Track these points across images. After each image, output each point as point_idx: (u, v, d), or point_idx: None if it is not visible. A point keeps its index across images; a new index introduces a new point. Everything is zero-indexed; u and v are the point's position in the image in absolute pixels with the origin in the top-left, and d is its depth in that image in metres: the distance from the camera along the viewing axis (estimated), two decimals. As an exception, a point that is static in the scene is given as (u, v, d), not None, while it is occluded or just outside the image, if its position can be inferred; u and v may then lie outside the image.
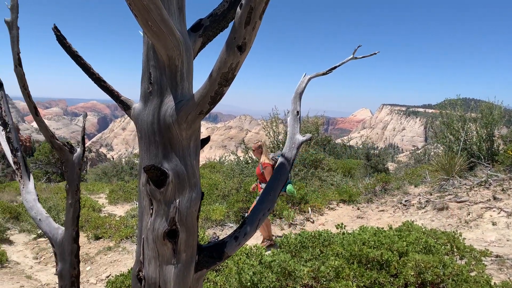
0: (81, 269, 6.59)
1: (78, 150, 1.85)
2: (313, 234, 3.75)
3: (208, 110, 1.61)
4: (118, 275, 3.88)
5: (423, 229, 4.19)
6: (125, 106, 1.80)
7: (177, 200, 1.70)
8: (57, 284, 5.93)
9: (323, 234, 3.70)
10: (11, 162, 2.09)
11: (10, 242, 8.37)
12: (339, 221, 7.15)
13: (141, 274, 1.78)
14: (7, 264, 6.89)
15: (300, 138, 2.08)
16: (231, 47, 1.41)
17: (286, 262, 3.06)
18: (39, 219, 1.93)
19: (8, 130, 2.03)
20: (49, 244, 8.14)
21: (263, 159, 5.75)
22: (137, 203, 10.52)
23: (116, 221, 7.99)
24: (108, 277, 5.77)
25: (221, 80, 1.48)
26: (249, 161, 10.46)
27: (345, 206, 8.29)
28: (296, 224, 7.08)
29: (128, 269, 3.94)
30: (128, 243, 7.00)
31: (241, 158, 10.88)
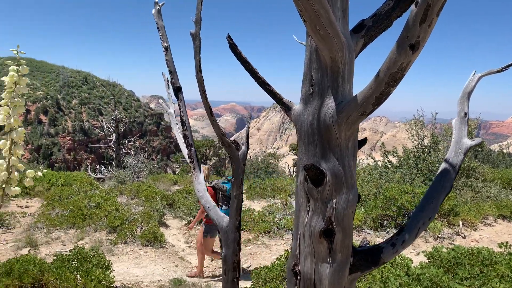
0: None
1: (243, 147, 2.02)
2: (470, 250, 3.36)
3: (371, 111, 1.59)
4: (262, 267, 4.13)
5: None
6: (286, 107, 1.90)
7: (334, 200, 1.72)
8: (205, 268, 6.55)
9: (483, 251, 3.28)
10: (186, 156, 2.40)
11: (167, 226, 9.58)
12: (497, 239, 6.25)
13: (296, 268, 1.86)
14: (164, 245, 7.89)
15: (468, 142, 1.89)
16: (403, 46, 1.36)
17: (439, 277, 2.82)
18: (208, 207, 2.17)
19: (185, 128, 2.34)
20: (198, 231, 9.10)
21: None
22: (273, 200, 10.96)
23: (255, 215, 8.48)
24: (248, 267, 6.16)
25: (389, 80, 1.44)
26: (389, 166, 9.92)
27: (505, 223, 7.20)
28: (443, 238, 6.43)
29: (271, 262, 4.17)
30: (266, 237, 7.35)
31: (379, 163, 10.39)
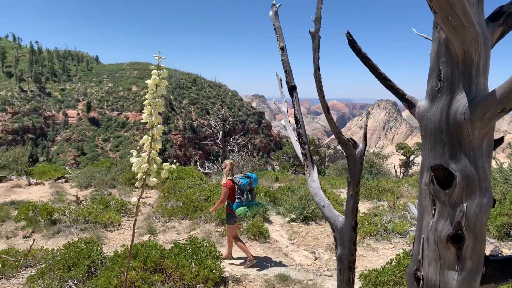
0: (326, 257, 7.14)
1: (361, 145, 1.98)
2: None
3: (512, 107, 1.44)
4: (371, 270, 4.00)
5: None
6: (409, 104, 1.81)
7: (465, 204, 1.59)
8: (309, 266, 6.58)
9: None
10: (299, 154, 2.45)
11: (270, 222, 9.80)
12: None
13: (418, 274, 1.76)
14: (268, 240, 8.10)
15: None
16: (558, 33, 1.20)
17: None
18: (322, 205, 2.18)
19: (299, 126, 2.38)
20: (301, 229, 9.15)
21: (224, 179, 5.97)
22: (379, 202, 10.51)
23: (360, 217, 8.24)
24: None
25: (538, 72, 1.29)
26: (517, 169, 8.77)
27: None
28: None
29: (380, 266, 4.01)
30: (372, 240, 7.09)
31: (505, 165, 9.21)
